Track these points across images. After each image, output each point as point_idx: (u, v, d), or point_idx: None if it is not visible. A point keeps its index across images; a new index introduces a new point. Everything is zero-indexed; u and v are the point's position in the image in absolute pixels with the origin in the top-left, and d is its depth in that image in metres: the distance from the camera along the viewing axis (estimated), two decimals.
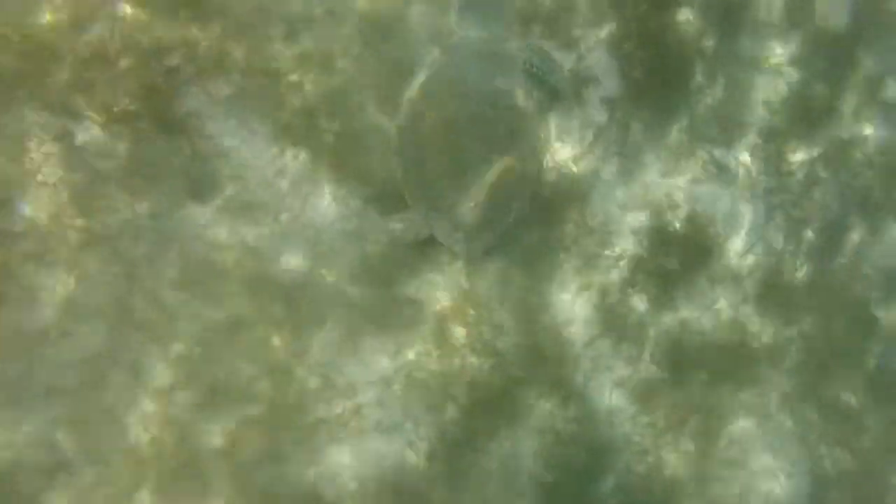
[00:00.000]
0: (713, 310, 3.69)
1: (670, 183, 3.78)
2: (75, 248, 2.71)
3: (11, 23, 2.49)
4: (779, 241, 3.75)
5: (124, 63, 2.68)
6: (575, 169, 3.59)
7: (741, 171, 3.79)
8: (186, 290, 2.89)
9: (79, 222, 2.69)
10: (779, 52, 3.85)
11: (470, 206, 2.99)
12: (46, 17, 2.56)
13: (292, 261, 3.05)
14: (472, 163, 3.10)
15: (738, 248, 3.71)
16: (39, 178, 2.59)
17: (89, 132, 2.68)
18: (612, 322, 3.60)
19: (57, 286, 2.70)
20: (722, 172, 3.80)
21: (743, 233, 3.76)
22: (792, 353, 3.72)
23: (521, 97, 3.25)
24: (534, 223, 3.52)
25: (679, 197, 3.78)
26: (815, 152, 3.81)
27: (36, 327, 2.70)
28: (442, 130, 3.01)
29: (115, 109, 2.68)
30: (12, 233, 2.61)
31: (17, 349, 2.67)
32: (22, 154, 2.58)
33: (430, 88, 3.03)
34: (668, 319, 3.66)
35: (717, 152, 3.83)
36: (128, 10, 2.69)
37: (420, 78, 3.04)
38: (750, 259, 3.71)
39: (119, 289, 2.78)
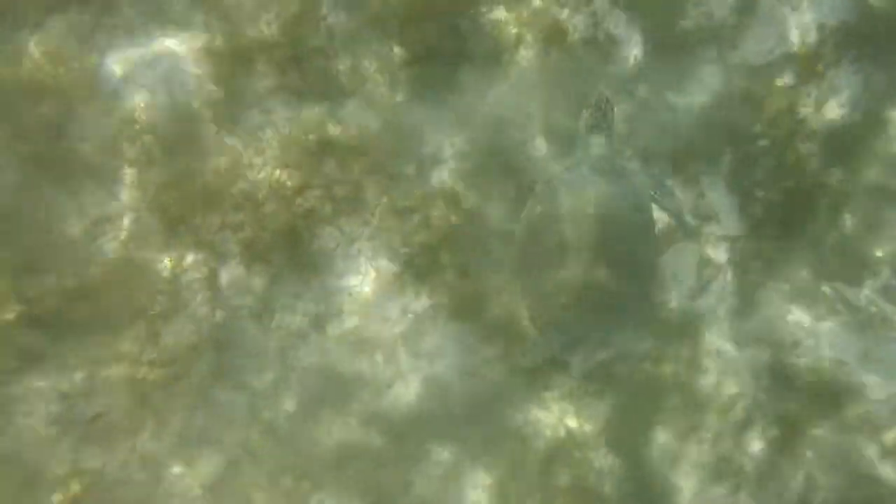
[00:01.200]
0: (844, 463, 3.35)
1: (792, 321, 3.55)
2: (206, 378, 2.80)
3: (180, 170, 2.76)
4: None
5: (270, 206, 2.84)
6: (691, 305, 3.37)
7: (873, 309, 3.53)
8: (300, 422, 2.88)
9: (212, 355, 2.80)
10: None
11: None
12: (210, 164, 2.80)
13: (404, 396, 3.01)
14: (593, 282, 3.07)
15: (876, 395, 3.39)
16: (186, 312, 2.75)
17: (232, 270, 2.83)
18: (726, 469, 3.33)
19: (183, 414, 2.77)
20: (851, 311, 3.54)
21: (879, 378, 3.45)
22: None
23: (642, 228, 3.25)
24: (646, 358, 3.39)
25: (802, 336, 3.54)
26: None
27: (155, 454, 2.76)
28: (562, 251, 2.98)
29: (257, 249, 2.83)
30: (153, 360, 2.74)
31: (142, 474, 2.77)
32: (175, 289, 2.74)
33: (551, 212, 3.01)
34: (791, 471, 3.34)
35: (845, 289, 3.59)
36: (275, 153, 2.88)
37: (540, 202, 3.03)
38: (890, 404, 3.38)
39: (239, 419, 2.82)
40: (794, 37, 3.48)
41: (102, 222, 2.67)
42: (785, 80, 3.48)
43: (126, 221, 2.68)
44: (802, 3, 3.50)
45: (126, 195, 2.69)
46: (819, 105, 3.51)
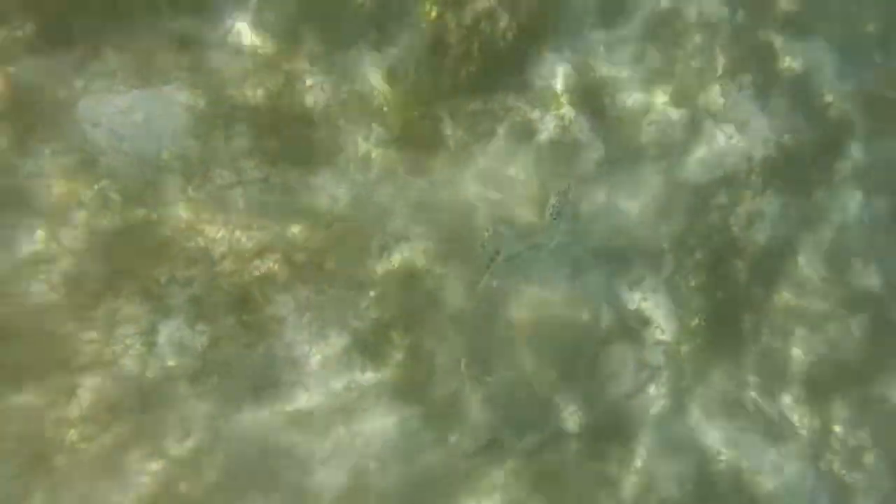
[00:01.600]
0: None
1: (716, 429, 3.74)
2: (120, 441, 2.55)
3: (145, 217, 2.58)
4: None
5: (225, 265, 2.73)
6: (625, 404, 3.44)
7: (786, 424, 3.79)
8: (220, 495, 2.67)
9: (133, 416, 2.57)
10: (817, 307, 4.06)
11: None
12: (170, 216, 2.66)
13: (337, 475, 2.87)
14: (536, 368, 3.12)
15: None
16: (114, 369, 2.53)
17: (174, 328, 2.67)
18: None
19: (82, 483, 2.48)
20: (768, 423, 3.79)
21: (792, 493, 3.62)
22: None
23: (589, 321, 3.39)
24: (582, 455, 3.43)
25: (723, 445, 3.72)
26: (860, 414, 3.82)
27: None
28: (511, 332, 3.08)
29: (204, 307, 2.69)
30: (59, 420, 2.47)
31: None
32: (104, 343, 2.53)
33: (505, 289, 3.12)
34: None
35: (763, 402, 3.85)
36: (240, 213, 2.79)
37: (497, 278, 3.13)
38: None
39: (153, 488, 2.58)
40: (728, 163, 3.89)
41: (36, 262, 2.46)
42: (720, 199, 3.85)
43: (64, 264, 2.48)
44: (736, 134, 3.94)
45: (69, 237, 2.50)
46: (747, 227, 3.89)
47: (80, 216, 2.49)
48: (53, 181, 2.48)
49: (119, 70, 2.55)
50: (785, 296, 3.90)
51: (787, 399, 3.75)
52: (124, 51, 2.55)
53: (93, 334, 2.48)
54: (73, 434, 2.44)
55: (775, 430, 3.65)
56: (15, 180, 2.42)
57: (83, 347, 2.47)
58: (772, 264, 3.89)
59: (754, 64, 3.93)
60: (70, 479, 2.46)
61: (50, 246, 2.46)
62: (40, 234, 2.43)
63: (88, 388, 2.47)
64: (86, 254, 2.50)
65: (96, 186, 2.50)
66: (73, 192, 2.49)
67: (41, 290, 2.42)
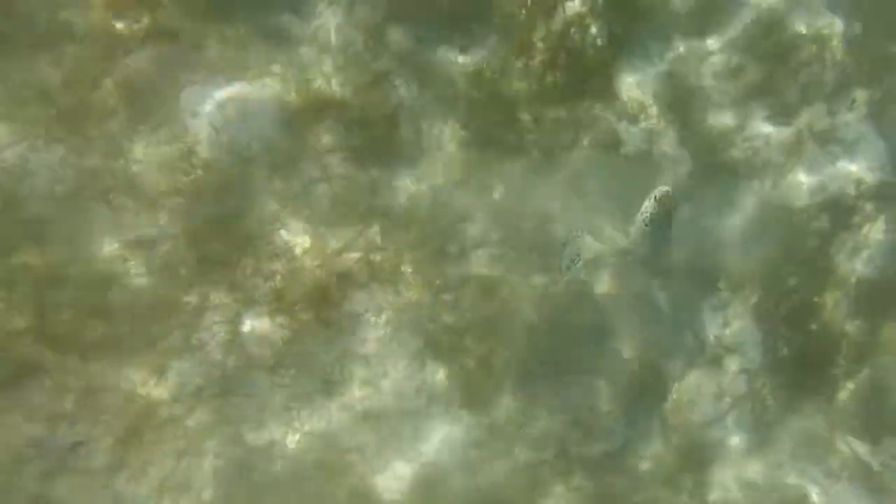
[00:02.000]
0: None
1: (802, 471, 3.44)
2: (203, 424, 2.64)
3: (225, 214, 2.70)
4: None
5: (307, 261, 2.77)
6: (702, 433, 3.26)
7: (887, 475, 3.42)
8: (288, 487, 2.70)
9: (214, 403, 2.65)
10: None
11: None
12: (256, 208, 2.75)
13: (400, 479, 2.84)
14: (611, 375, 3.00)
15: None
16: (199, 355, 2.62)
17: (256, 319, 2.73)
18: None
19: (169, 459, 2.61)
20: (865, 471, 3.44)
21: None
22: None
23: (673, 339, 3.18)
24: (652, 478, 3.23)
25: (812, 490, 3.42)
26: None
27: (128, 497, 2.58)
28: (589, 336, 2.97)
29: (286, 301, 2.74)
30: (150, 398, 2.59)
31: None
32: (193, 329, 2.63)
33: (586, 291, 3.01)
34: None
35: (860, 448, 3.50)
36: (323, 209, 2.84)
37: (579, 278, 3.02)
38: None
39: (227, 476, 2.65)
40: (834, 187, 3.58)
41: (138, 246, 2.61)
42: (821, 224, 3.54)
43: (162, 249, 2.62)
44: (843, 156, 3.62)
45: (168, 223, 2.65)
46: (852, 255, 3.55)
47: (178, 202, 2.63)
48: (156, 167, 2.63)
49: (218, 63, 2.68)
50: (892, 333, 3.53)
51: (892, 447, 3.37)
52: (224, 45, 2.67)
53: (183, 318, 2.61)
54: (162, 413, 2.56)
55: (874, 481, 3.29)
56: (124, 165, 2.59)
57: (174, 331, 2.59)
58: (880, 298, 3.53)
59: (869, 80, 3.60)
60: (156, 457, 2.59)
61: (150, 231, 2.61)
62: (143, 217, 2.59)
63: (178, 369, 2.59)
64: (181, 240, 2.63)
65: (193, 175, 2.63)
66: (172, 180, 2.63)
67: (141, 272, 2.57)
